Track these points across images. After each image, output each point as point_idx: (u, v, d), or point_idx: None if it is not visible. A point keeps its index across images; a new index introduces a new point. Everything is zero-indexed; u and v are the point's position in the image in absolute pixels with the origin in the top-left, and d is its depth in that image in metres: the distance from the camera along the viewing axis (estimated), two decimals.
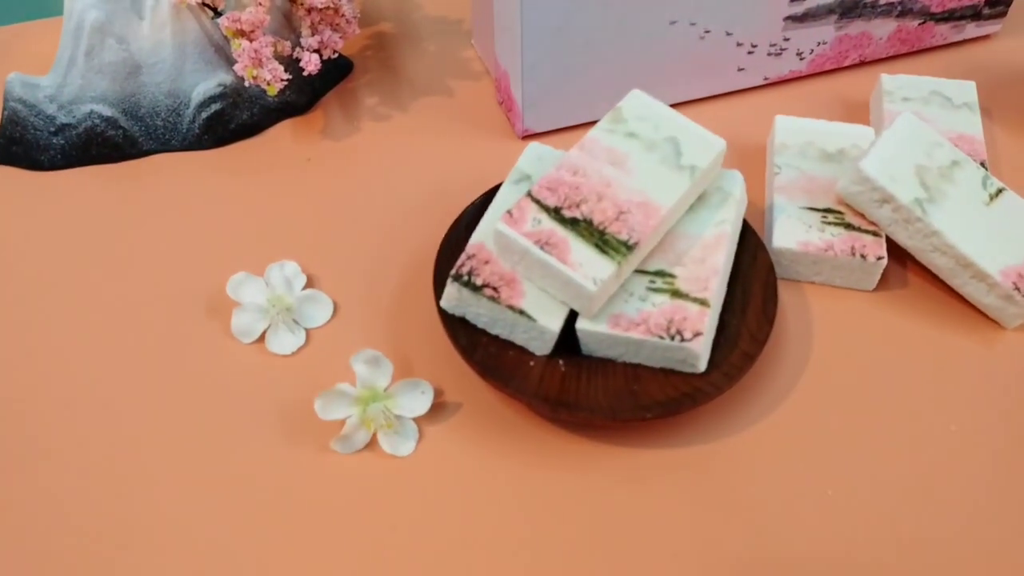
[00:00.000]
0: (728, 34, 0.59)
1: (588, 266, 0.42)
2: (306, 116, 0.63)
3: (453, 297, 0.45)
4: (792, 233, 0.50)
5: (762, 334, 0.45)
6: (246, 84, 0.57)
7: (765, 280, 0.48)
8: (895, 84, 0.59)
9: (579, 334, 0.44)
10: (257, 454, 0.45)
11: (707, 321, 0.43)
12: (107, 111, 0.58)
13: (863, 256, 0.49)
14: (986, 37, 0.68)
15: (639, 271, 0.45)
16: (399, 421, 0.45)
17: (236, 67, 0.55)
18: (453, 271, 0.45)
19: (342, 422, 0.44)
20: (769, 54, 0.61)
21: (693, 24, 0.57)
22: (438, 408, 0.46)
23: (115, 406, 0.47)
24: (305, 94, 0.63)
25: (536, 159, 0.51)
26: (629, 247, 0.43)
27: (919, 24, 0.64)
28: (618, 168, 0.46)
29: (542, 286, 0.44)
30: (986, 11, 0.65)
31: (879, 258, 0.49)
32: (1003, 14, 0.66)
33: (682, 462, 0.44)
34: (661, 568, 0.41)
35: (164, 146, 0.60)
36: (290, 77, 0.58)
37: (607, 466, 0.44)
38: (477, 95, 0.64)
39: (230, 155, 0.60)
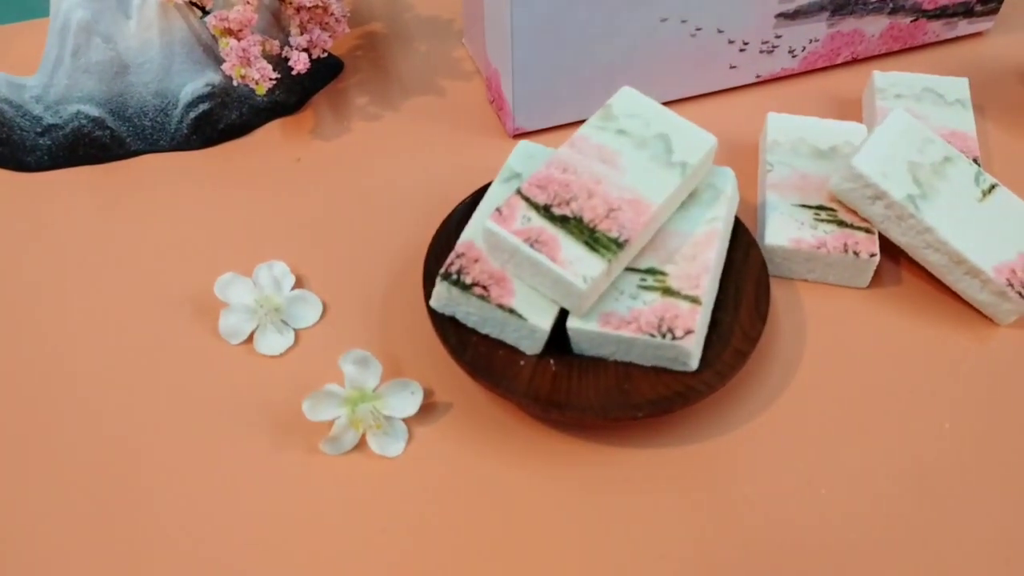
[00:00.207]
0: (720, 31, 0.58)
1: (578, 264, 0.42)
2: (296, 116, 0.62)
3: (443, 296, 0.44)
4: (784, 230, 0.50)
5: (755, 332, 0.45)
6: (234, 84, 0.57)
7: (757, 277, 0.47)
8: (887, 81, 0.59)
9: (570, 333, 0.44)
10: (245, 456, 0.44)
11: (699, 319, 0.42)
12: (94, 111, 0.57)
13: (856, 253, 0.49)
14: (979, 34, 0.68)
15: (630, 269, 0.45)
16: (388, 422, 0.44)
17: (224, 66, 0.55)
18: (442, 270, 0.44)
19: (331, 423, 0.44)
20: (761, 51, 0.61)
21: (684, 21, 0.57)
22: (428, 408, 0.46)
23: (101, 408, 0.46)
24: (295, 94, 0.63)
25: (526, 157, 0.50)
26: (619, 245, 0.42)
27: (911, 21, 0.64)
28: (608, 165, 0.45)
29: (532, 284, 0.44)
30: (978, 8, 0.65)
31: (872, 255, 0.49)
32: (995, 11, 0.66)
33: (674, 461, 0.44)
34: (652, 568, 0.40)
35: (152, 146, 0.59)
36: (279, 76, 0.58)
37: (599, 466, 0.44)
38: (468, 95, 0.63)
39: (219, 155, 0.59)
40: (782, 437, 0.45)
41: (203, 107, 0.58)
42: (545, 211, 0.44)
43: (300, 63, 0.57)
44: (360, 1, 0.72)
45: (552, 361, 0.44)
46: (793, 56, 0.63)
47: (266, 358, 0.48)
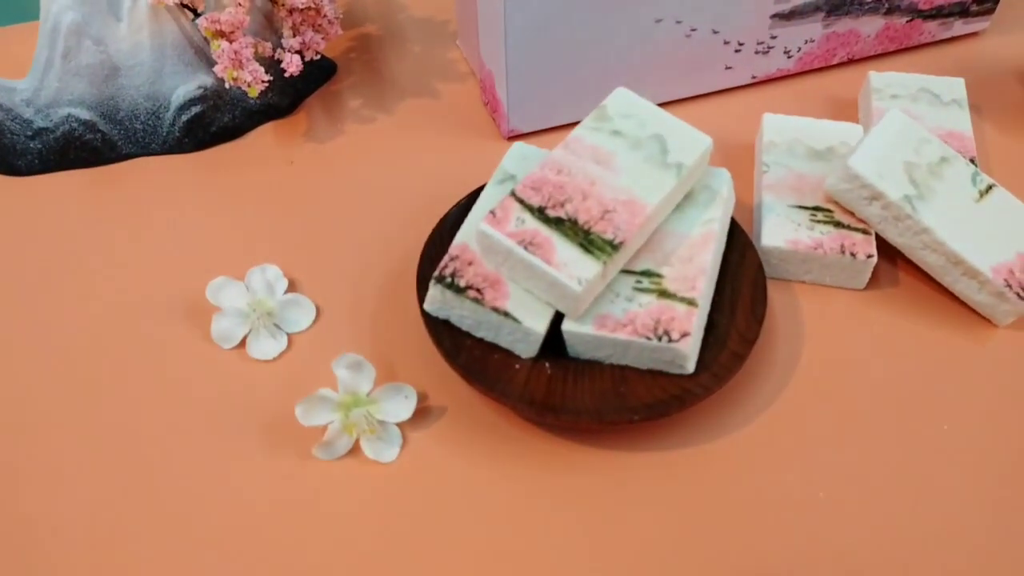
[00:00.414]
0: (715, 32, 0.58)
1: (573, 266, 0.41)
2: (289, 118, 0.62)
3: (436, 299, 0.44)
4: (781, 231, 0.50)
5: (751, 334, 0.44)
6: (227, 86, 0.57)
7: (754, 279, 0.47)
8: (883, 81, 0.58)
9: (565, 336, 0.43)
10: (238, 461, 0.44)
11: (695, 321, 0.42)
12: (85, 114, 0.57)
13: (853, 254, 0.48)
14: (974, 34, 0.68)
15: (625, 271, 0.44)
16: (382, 426, 0.44)
17: (216, 69, 0.54)
18: (436, 273, 0.44)
19: (324, 428, 0.43)
20: (756, 52, 0.61)
21: (679, 22, 0.57)
22: (422, 413, 0.45)
23: (93, 413, 0.46)
24: (287, 96, 0.62)
25: (521, 159, 0.50)
26: (615, 246, 0.42)
27: (907, 21, 0.64)
28: (603, 166, 0.45)
29: (527, 287, 0.43)
30: (974, 8, 0.65)
31: (869, 256, 0.48)
32: (991, 11, 0.66)
33: (671, 465, 0.43)
34: (650, 572, 0.40)
35: (144, 150, 0.59)
36: (271, 79, 0.58)
37: (594, 469, 0.43)
38: (462, 96, 0.63)
39: (211, 158, 0.59)
40: (779, 440, 0.44)
41: (195, 110, 0.58)
42: (539, 213, 0.43)
43: (293, 65, 0.56)
44: (353, 3, 0.72)
45: (547, 364, 0.44)
46: (789, 57, 0.62)
47: (259, 362, 0.48)
